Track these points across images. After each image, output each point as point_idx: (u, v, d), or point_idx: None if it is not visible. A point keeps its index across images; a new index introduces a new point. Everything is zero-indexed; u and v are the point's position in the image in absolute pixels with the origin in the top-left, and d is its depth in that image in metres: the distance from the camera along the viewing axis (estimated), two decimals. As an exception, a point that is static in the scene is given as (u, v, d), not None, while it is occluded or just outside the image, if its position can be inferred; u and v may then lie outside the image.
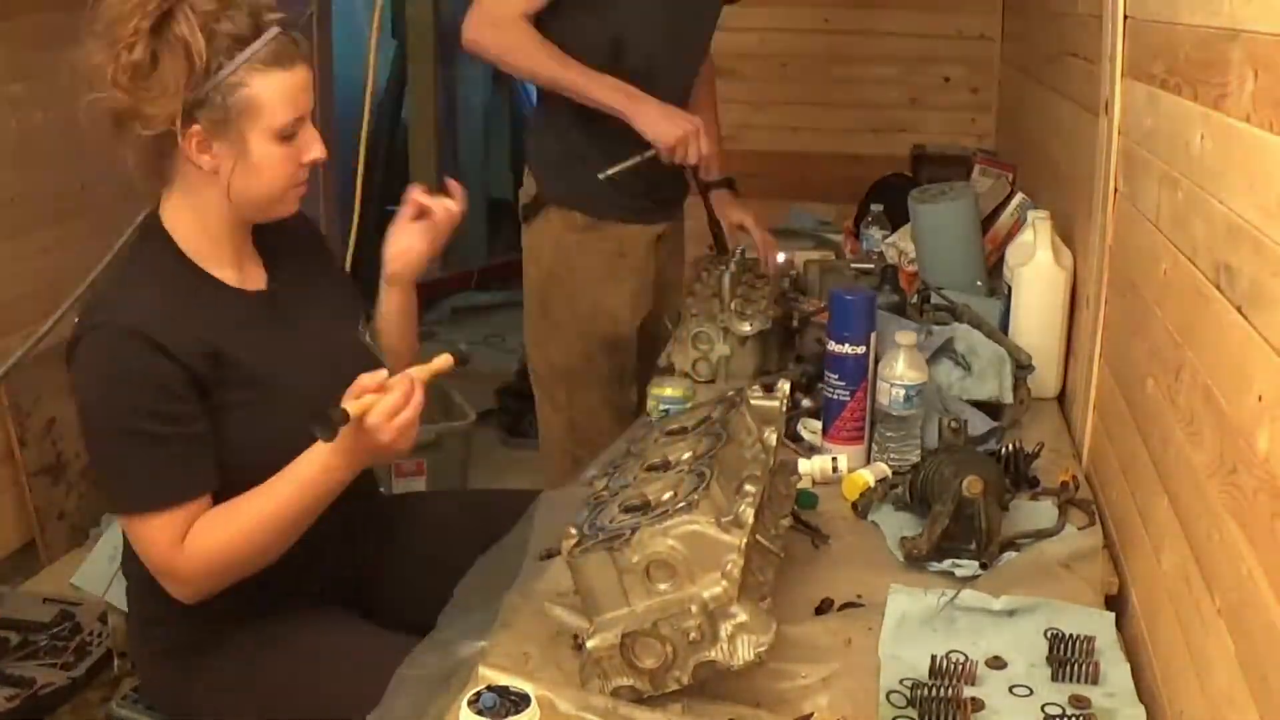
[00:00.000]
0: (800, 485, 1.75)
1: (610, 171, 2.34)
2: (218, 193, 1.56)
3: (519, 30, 2.27)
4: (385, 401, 1.51)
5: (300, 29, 1.60)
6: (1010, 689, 1.32)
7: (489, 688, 1.13)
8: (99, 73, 1.49)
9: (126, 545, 1.71)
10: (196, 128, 1.51)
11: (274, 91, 1.52)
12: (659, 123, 2.28)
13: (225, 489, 1.56)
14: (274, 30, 1.52)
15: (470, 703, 1.11)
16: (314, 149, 1.60)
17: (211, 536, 1.53)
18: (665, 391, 2.03)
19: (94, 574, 2.84)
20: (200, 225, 1.60)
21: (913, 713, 1.27)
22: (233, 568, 1.56)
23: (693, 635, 1.24)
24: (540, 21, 2.30)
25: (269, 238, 1.69)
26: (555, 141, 2.48)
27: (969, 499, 1.54)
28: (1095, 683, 1.32)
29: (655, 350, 2.50)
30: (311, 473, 1.55)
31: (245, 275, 1.66)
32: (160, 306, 1.53)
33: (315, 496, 1.56)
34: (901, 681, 1.32)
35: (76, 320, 1.57)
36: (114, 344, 1.50)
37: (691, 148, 2.30)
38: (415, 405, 1.53)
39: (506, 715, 1.10)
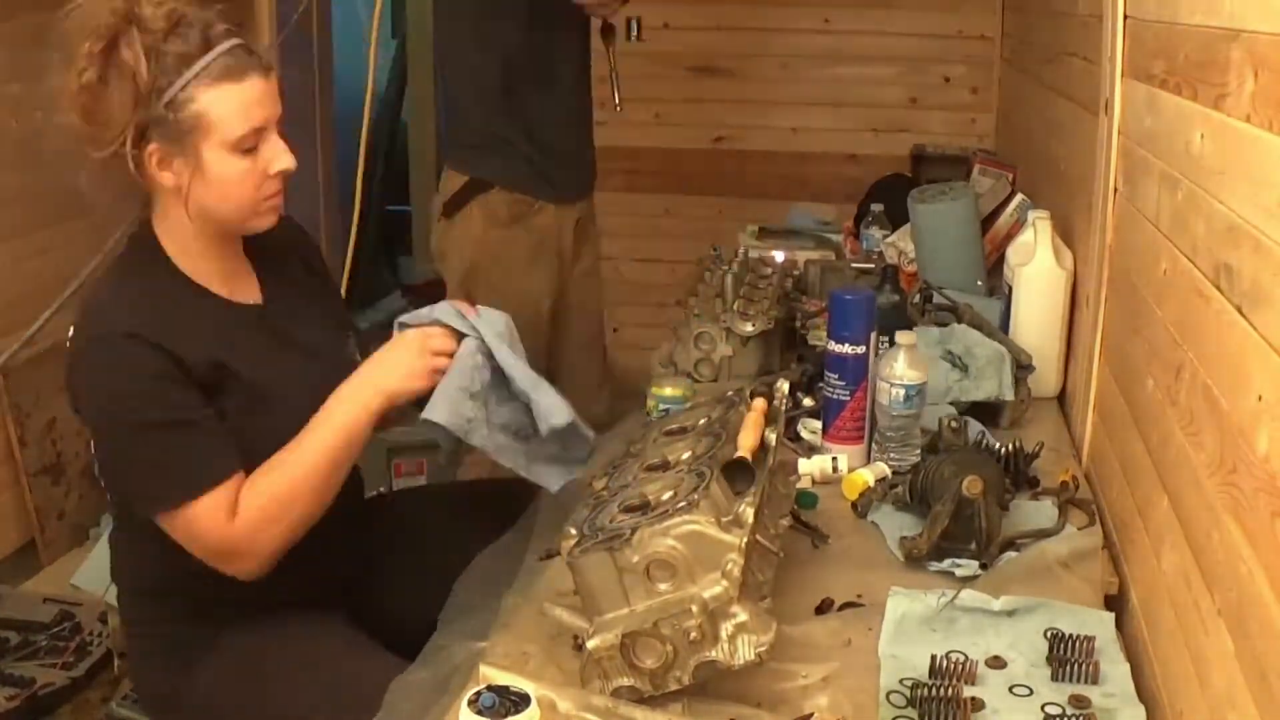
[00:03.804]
0: (800, 485, 1.75)
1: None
2: (184, 209, 1.56)
3: None
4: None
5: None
6: (1010, 689, 1.32)
7: (489, 688, 1.13)
8: (60, 93, 1.51)
9: (115, 551, 1.70)
10: (154, 146, 1.50)
11: (224, 105, 1.50)
12: None
13: None
14: (224, 45, 1.51)
15: (470, 703, 1.11)
16: (280, 160, 1.57)
17: (260, 498, 1.53)
18: (665, 391, 2.03)
19: (94, 574, 2.84)
20: (185, 240, 1.59)
21: (913, 713, 1.27)
22: (288, 525, 1.55)
23: (693, 635, 1.24)
24: None
25: (261, 249, 1.69)
26: (481, 126, 2.54)
27: (969, 499, 1.54)
28: (1095, 683, 1.32)
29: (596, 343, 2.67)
30: (340, 403, 1.58)
31: (237, 288, 1.66)
32: (158, 316, 1.53)
33: (351, 428, 1.58)
34: (901, 681, 1.32)
35: (72, 334, 1.56)
36: (120, 347, 1.49)
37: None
38: (448, 342, 1.61)
39: (506, 715, 1.10)
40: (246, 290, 1.67)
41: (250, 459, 1.56)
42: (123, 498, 1.59)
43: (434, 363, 1.60)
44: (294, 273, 1.75)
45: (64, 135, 1.53)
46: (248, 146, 1.54)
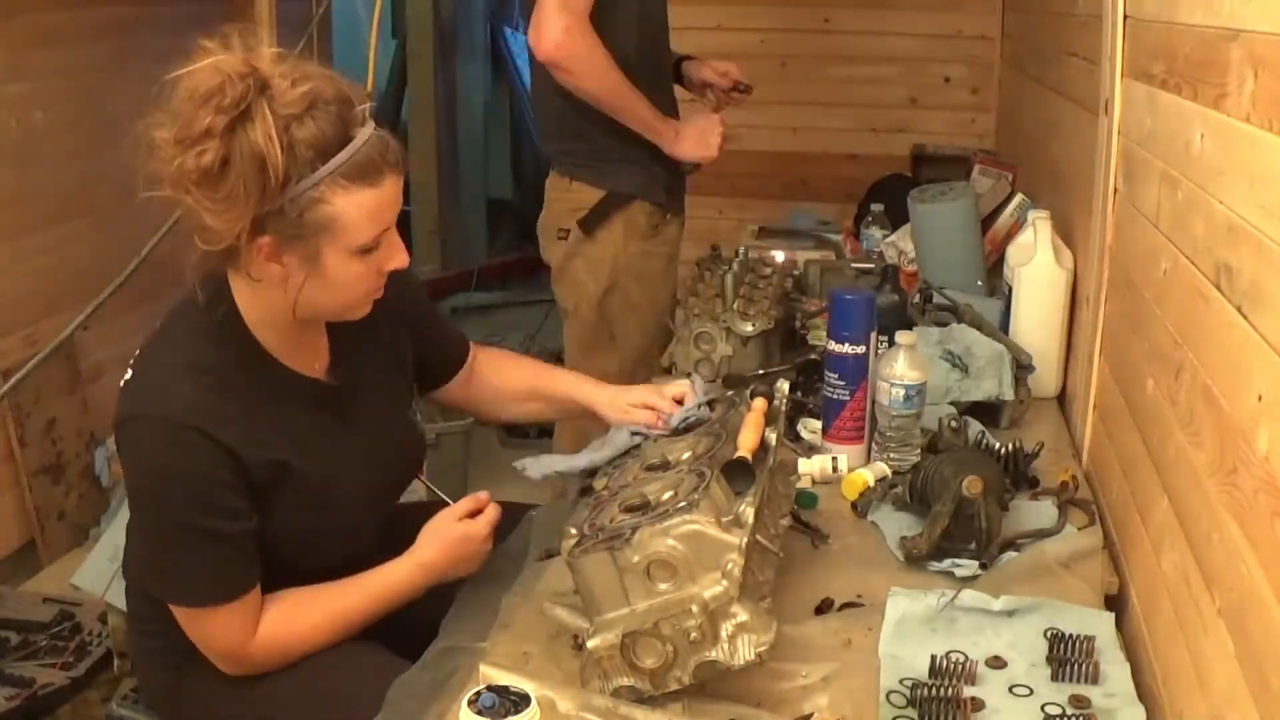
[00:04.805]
0: (800, 485, 1.75)
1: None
2: (280, 297, 1.44)
3: (605, 55, 2.31)
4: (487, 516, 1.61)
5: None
6: (1010, 689, 1.32)
7: (489, 688, 1.13)
8: (165, 159, 1.34)
9: (127, 546, 1.71)
10: (268, 239, 1.36)
11: (358, 210, 1.37)
12: (689, 149, 2.48)
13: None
14: (361, 138, 1.36)
15: (470, 702, 1.11)
16: (395, 259, 1.46)
17: (292, 626, 1.54)
18: (665, 391, 2.03)
19: (94, 574, 2.84)
20: (268, 311, 1.48)
21: (913, 713, 1.27)
22: (300, 654, 1.56)
23: (694, 635, 1.24)
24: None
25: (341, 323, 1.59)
26: (617, 140, 2.45)
27: (969, 499, 1.54)
28: (1095, 683, 1.33)
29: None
30: (399, 580, 1.58)
31: (308, 359, 1.58)
32: (226, 401, 1.45)
33: (395, 601, 1.59)
34: (901, 681, 1.32)
35: (129, 398, 1.47)
36: (180, 439, 1.41)
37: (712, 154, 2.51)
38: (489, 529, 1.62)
39: (506, 715, 1.10)
40: (316, 361, 1.59)
41: (300, 549, 1.56)
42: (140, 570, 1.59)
43: (485, 548, 1.63)
44: (370, 342, 1.65)
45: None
46: (370, 249, 1.42)
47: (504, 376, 1.92)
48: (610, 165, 2.47)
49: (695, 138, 2.47)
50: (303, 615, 1.55)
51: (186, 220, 1.37)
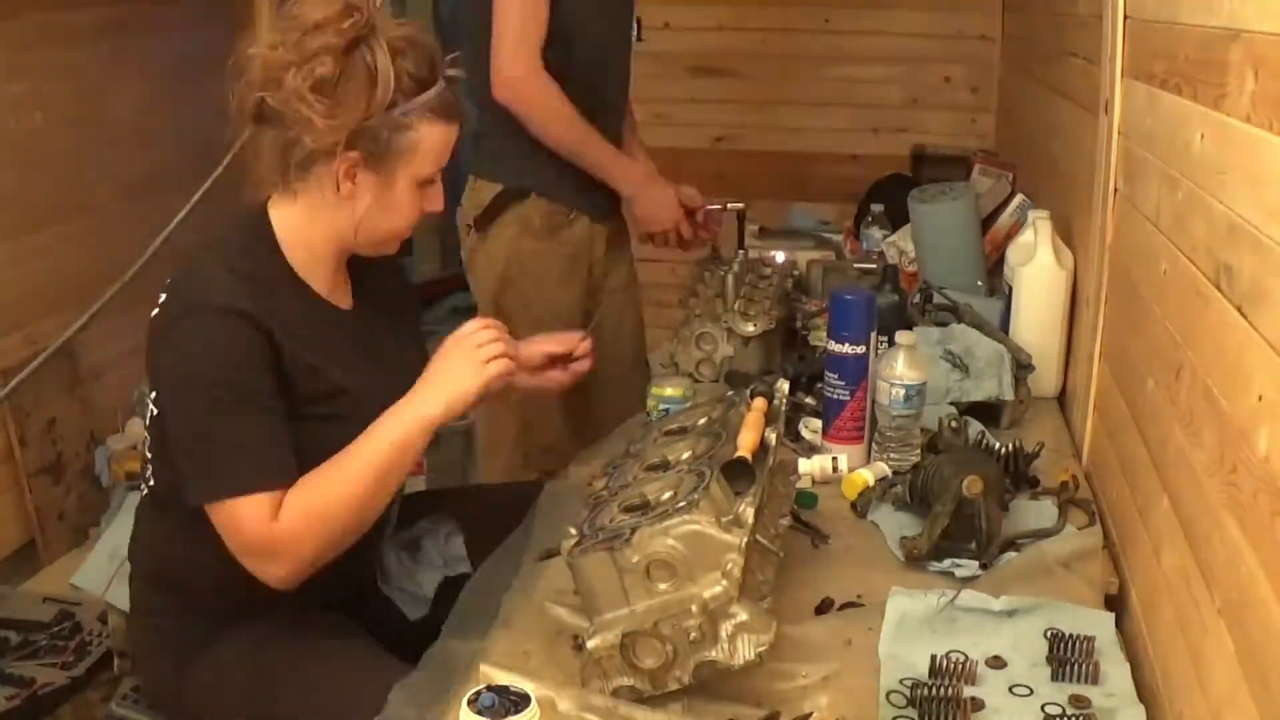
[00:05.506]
0: (800, 485, 1.75)
1: None
2: (342, 218, 1.56)
3: (560, 98, 2.34)
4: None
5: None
6: (1010, 689, 1.32)
7: (489, 687, 1.13)
8: (277, 73, 1.48)
9: (135, 531, 1.70)
10: (354, 154, 1.51)
11: (434, 141, 1.54)
12: (650, 209, 2.55)
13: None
14: (450, 80, 1.55)
15: (470, 702, 1.11)
16: (436, 201, 1.62)
17: (303, 504, 1.47)
18: (665, 391, 2.03)
19: (94, 574, 2.84)
20: (308, 240, 1.59)
21: (913, 713, 1.27)
22: (326, 537, 1.49)
23: (693, 635, 1.24)
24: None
25: (360, 260, 1.68)
26: (519, 134, 2.41)
27: (969, 499, 1.54)
28: (1095, 683, 1.33)
29: (638, 361, 2.64)
30: (400, 424, 1.52)
31: (334, 291, 1.65)
32: (264, 300, 1.50)
33: (403, 449, 1.52)
34: (901, 681, 1.32)
35: (165, 301, 1.52)
36: (222, 320, 1.46)
37: (670, 237, 2.60)
38: (495, 332, 1.60)
39: (506, 715, 1.10)
40: (342, 295, 1.67)
41: (321, 460, 1.52)
42: (175, 480, 1.51)
43: (481, 354, 1.57)
44: (386, 287, 1.76)
45: (242, 110, 1.51)
46: (428, 184, 1.58)
47: None
48: (508, 160, 2.46)
49: (656, 202, 2.54)
50: (313, 486, 1.49)
51: (294, 126, 1.49)
